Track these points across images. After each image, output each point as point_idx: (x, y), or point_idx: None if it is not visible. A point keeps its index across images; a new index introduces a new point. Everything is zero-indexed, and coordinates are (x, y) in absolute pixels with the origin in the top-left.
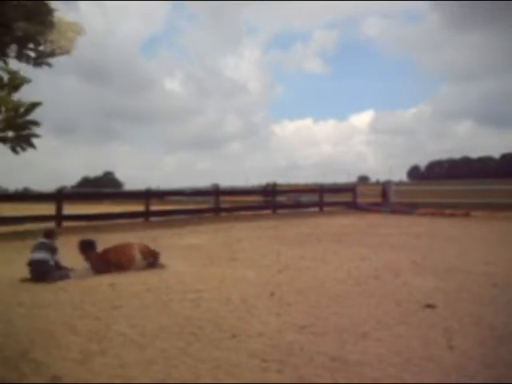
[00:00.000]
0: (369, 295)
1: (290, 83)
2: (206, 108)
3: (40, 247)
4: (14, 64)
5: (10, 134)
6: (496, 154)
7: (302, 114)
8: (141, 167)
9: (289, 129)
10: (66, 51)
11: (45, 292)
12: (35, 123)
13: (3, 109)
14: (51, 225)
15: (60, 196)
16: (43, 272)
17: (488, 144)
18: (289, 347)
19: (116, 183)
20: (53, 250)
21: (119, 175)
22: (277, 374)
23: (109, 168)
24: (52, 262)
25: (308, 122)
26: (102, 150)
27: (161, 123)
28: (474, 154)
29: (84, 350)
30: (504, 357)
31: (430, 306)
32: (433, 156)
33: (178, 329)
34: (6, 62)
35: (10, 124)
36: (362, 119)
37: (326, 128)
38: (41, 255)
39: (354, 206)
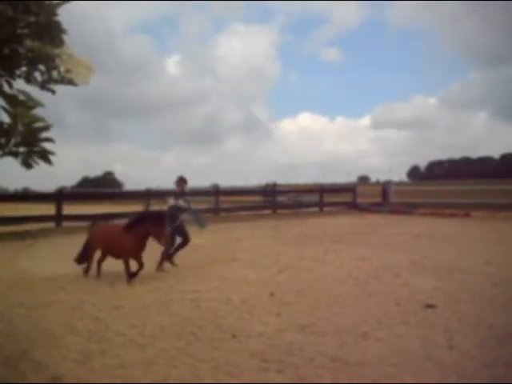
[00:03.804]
0: (369, 295)
1: (291, 83)
2: (206, 108)
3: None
4: (19, 85)
5: (22, 149)
6: (496, 154)
7: (302, 112)
8: (140, 166)
9: (289, 127)
10: (75, 83)
11: (45, 292)
12: (50, 140)
13: (20, 123)
14: (51, 225)
15: (60, 196)
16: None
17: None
18: (289, 347)
19: (116, 183)
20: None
21: (117, 174)
22: (277, 373)
23: (107, 167)
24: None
25: (310, 119)
26: (100, 149)
27: (161, 122)
28: (476, 153)
29: (84, 350)
30: (504, 357)
31: (429, 306)
32: (434, 153)
33: (178, 329)
34: (10, 83)
35: (24, 139)
36: (368, 116)
37: (333, 126)
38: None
39: (354, 206)
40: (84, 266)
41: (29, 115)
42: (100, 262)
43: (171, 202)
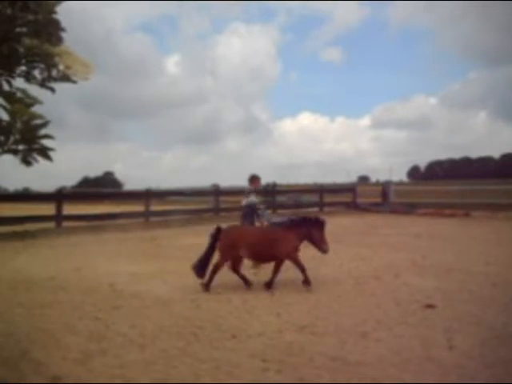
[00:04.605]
0: (369, 295)
1: (291, 82)
2: (206, 108)
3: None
4: (18, 83)
5: (21, 146)
6: (496, 154)
7: (303, 112)
8: (140, 166)
9: (289, 127)
10: (74, 80)
11: (45, 292)
12: (49, 137)
13: (18, 120)
14: (51, 225)
15: (60, 196)
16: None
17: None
18: (289, 347)
19: (116, 183)
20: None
21: (117, 174)
22: (277, 373)
23: (107, 166)
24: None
25: (310, 119)
26: (100, 149)
27: (161, 122)
28: (476, 153)
29: (84, 350)
30: (504, 357)
31: (430, 306)
32: (434, 153)
33: (177, 329)
34: (10, 82)
35: (23, 136)
36: (368, 116)
37: (333, 126)
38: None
39: (354, 206)
40: (205, 278)
41: (27, 112)
42: (236, 267)
43: (251, 199)
